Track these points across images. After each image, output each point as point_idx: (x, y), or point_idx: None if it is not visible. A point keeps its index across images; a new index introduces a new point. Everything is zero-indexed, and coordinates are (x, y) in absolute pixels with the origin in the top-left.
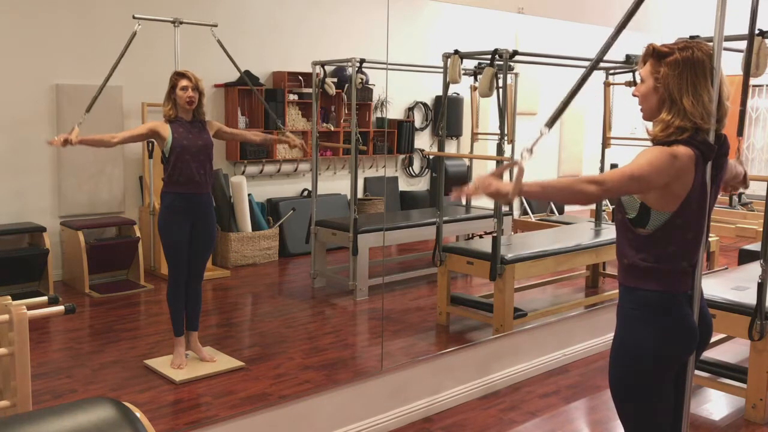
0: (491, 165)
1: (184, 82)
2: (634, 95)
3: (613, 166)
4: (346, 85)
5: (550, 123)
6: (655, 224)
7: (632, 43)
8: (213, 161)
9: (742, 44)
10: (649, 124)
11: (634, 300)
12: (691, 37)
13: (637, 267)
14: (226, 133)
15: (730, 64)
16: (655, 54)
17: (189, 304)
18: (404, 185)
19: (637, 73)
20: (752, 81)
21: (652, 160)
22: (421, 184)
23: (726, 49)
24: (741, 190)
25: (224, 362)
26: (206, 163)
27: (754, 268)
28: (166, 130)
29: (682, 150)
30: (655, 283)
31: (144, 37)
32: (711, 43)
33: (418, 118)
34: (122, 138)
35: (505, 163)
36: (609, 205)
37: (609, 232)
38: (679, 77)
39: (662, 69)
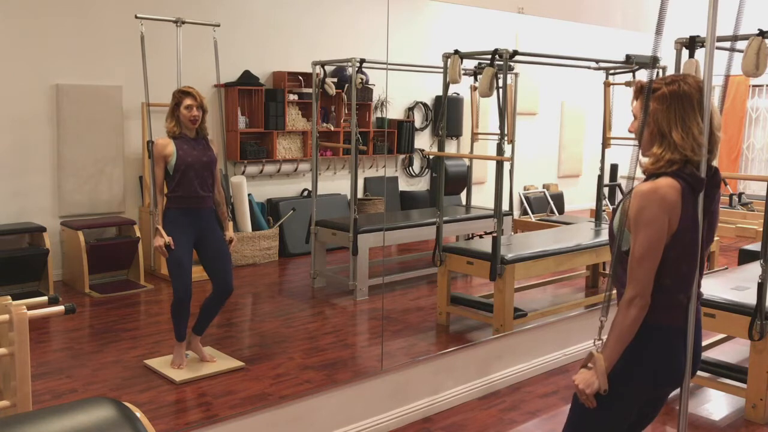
0: (491, 165)
1: (188, 101)
2: (630, 131)
3: (613, 166)
4: (346, 85)
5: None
6: None
7: (632, 43)
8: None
9: (742, 44)
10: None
11: None
12: (692, 38)
13: None
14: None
15: (729, 64)
16: (644, 90)
17: (207, 311)
18: (404, 185)
19: (631, 111)
20: (752, 81)
21: (643, 217)
22: (421, 184)
23: (723, 48)
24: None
25: (224, 362)
26: (209, 179)
27: (754, 268)
28: (171, 148)
29: (663, 182)
30: (648, 315)
31: (145, 36)
32: (699, 77)
33: (418, 118)
34: (160, 185)
35: (588, 355)
36: (609, 204)
37: None
38: (668, 111)
39: (651, 104)
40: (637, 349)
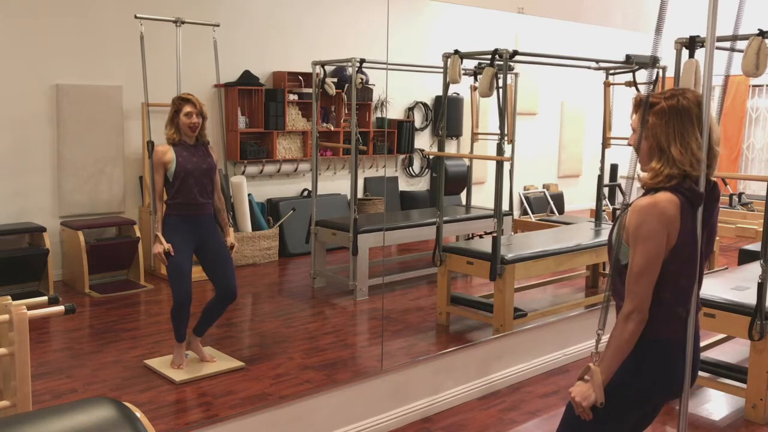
0: (491, 165)
1: (188, 108)
2: (629, 144)
3: (613, 166)
4: (346, 85)
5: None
6: None
7: (632, 43)
8: (215, 183)
9: (742, 44)
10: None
11: None
12: (692, 38)
13: None
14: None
15: (725, 63)
16: (642, 104)
17: (209, 314)
18: (404, 185)
19: (629, 124)
20: (752, 81)
21: (642, 231)
22: (421, 184)
23: (723, 48)
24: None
25: (224, 362)
26: (208, 186)
27: (754, 268)
28: (170, 155)
29: (662, 196)
30: (647, 328)
31: (145, 36)
32: (699, 91)
33: (418, 118)
34: (159, 192)
35: (585, 368)
36: (609, 204)
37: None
38: (666, 126)
39: (650, 118)
40: (635, 361)
